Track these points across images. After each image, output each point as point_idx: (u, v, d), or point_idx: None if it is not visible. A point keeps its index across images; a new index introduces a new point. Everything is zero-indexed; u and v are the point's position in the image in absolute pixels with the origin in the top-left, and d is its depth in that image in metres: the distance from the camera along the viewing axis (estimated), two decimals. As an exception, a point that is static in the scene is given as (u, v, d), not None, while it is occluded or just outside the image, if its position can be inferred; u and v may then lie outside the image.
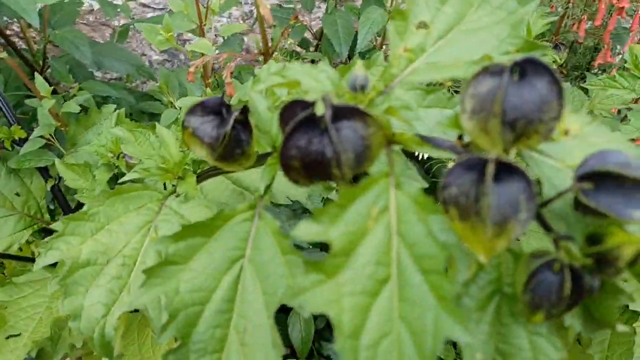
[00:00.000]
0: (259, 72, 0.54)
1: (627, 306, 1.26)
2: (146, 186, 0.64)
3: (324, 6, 2.27)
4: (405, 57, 0.42)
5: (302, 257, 0.37)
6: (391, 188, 0.32)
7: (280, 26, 1.97)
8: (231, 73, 0.74)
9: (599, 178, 0.29)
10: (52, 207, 1.52)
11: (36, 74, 1.17)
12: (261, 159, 0.48)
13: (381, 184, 0.32)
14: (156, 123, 0.80)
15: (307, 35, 2.02)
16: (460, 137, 0.33)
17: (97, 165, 1.20)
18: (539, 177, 0.33)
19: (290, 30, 0.70)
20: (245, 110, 0.45)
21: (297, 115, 0.32)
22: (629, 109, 1.33)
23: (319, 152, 0.31)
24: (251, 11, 2.53)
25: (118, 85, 1.89)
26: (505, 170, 0.27)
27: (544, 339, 0.34)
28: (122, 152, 1.15)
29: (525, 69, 0.29)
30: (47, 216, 1.37)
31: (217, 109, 0.44)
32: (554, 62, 1.36)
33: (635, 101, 1.30)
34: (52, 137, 1.26)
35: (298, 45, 2.01)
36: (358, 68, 0.40)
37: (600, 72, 1.93)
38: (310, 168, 0.32)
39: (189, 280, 0.40)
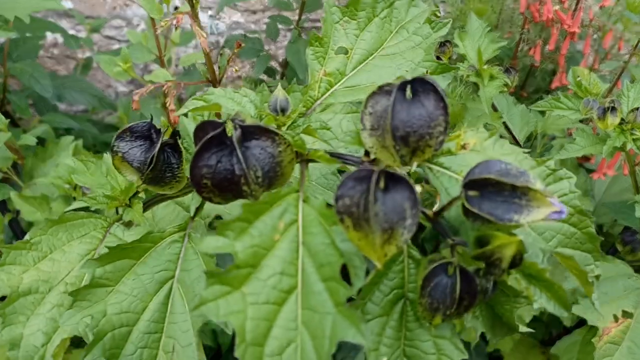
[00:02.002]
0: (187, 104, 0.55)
1: (585, 321, 1.29)
2: (90, 214, 0.65)
3: (289, 35, 2.31)
4: (325, 81, 0.44)
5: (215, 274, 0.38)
6: (300, 202, 0.34)
7: (245, 56, 2.00)
8: (174, 100, 0.75)
9: (482, 185, 0.30)
10: (14, 242, 1.50)
11: (-9, 108, 1.17)
12: (188, 186, 0.49)
13: (289, 199, 0.34)
14: (105, 153, 0.80)
15: (275, 64, 2.04)
16: (367, 153, 0.35)
17: (54, 197, 1.20)
18: (437, 188, 0.35)
19: (235, 57, 0.72)
20: (175, 134, 0.46)
21: (207, 135, 0.33)
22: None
23: (228, 170, 0.33)
24: (217, 41, 2.57)
25: (82, 118, 1.89)
26: (391, 180, 0.29)
27: (447, 342, 0.35)
28: (78, 185, 1.15)
29: (416, 88, 0.31)
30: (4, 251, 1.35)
31: (146, 134, 0.45)
32: (505, 85, 1.40)
33: (587, 122, 1.34)
34: (10, 171, 1.25)
35: (264, 74, 2.03)
36: (279, 92, 0.42)
37: (557, 94, 1.98)
38: (221, 186, 0.33)
39: (117, 302, 0.41)
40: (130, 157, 0.44)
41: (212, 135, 0.32)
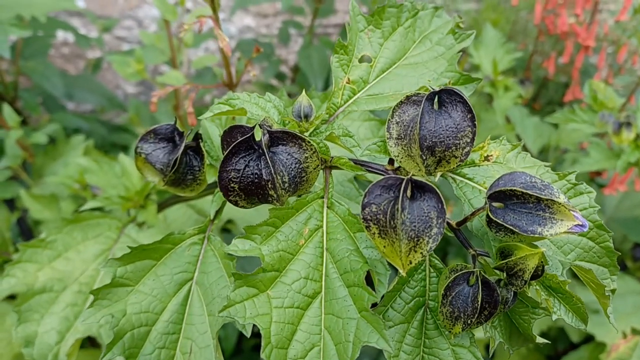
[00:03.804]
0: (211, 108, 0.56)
1: (592, 338, 1.28)
2: (105, 214, 0.65)
3: (300, 40, 2.32)
4: (349, 89, 0.44)
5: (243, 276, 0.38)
6: (325, 208, 0.34)
7: (256, 60, 2.01)
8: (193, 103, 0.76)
9: (507, 197, 0.31)
10: (20, 240, 1.50)
11: (4, 105, 1.17)
12: (213, 186, 0.49)
13: (313, 205, 0.34)
14: (120, 153, 0.81)
15: (285, 69, 2.05)
16: (391, 162, 0.35)
17: (64, 196, 1.21)
18: (460, 199, 0.35)
19: (251, 61, 0.72)
20: (197, 137, 0.47)
21: (236, 139, 0.34)
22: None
23: (255, 174, 0.33)
24: (229, 44, 2.57)
25: (91, 118, 1.90)
26: (419, 189, 0.29)
27: (466, 350, 0.35)
28: (88, 185, 1.16)
29: (443, 98, 0.31)
30: (12, 249, 1.35)
31: (169, 136, 0.46)
32: (519, 96, 1.40)
33: (602, 136, 1.34)
34: (20, 168, 1.25)
35: (275, 78, 2.04)
36: (303, 98, 0.42)
37: (572, 107, 1.98)
38: (247, 190, 0.34)
39: (137, 302, 0.41)
40: (154, 158, 0.44)
41: (241, 140, 0.32)
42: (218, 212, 0.45)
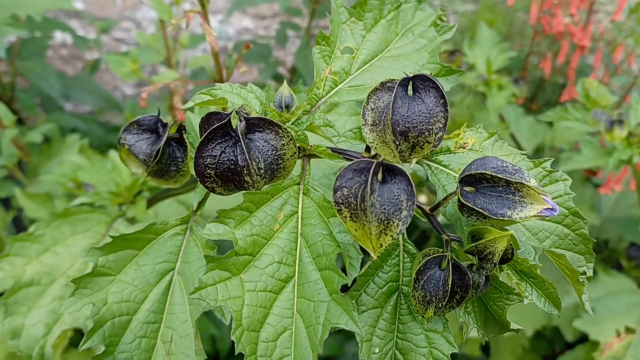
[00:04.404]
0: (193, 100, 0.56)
1: (587, 337, 1.28)
2: (94, 209, 0.66)
3: (297, 42, 2.32)
4: (331, 80, 0.44)
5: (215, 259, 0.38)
6: (300, 194, 0.34)
7: (254, 61, 2.02)
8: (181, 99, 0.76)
9: (477, 181, 0.31)
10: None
11: (0, 104, 1.18)
12: (194, 180, 0.49)
13: (289, 191, 0.34)
14: (111, 150, 0.81)
15: (282, 70, 2.06)
16: (367, 149, 0.36)
17: (58, 195, 1.21)
18: (435, 185, 0.35)
19: (241, 57, 0.73)
20: (181, 129, 0.47)
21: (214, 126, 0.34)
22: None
23: (231, 160, 0.33)
24: (226, 46, 2.58)
25: (88, 119, 1.91)
26: (390, 173, 0.29)
27: (439, 335, 0.36)
28: (82, 183, 1.16)
29: (417, 84, 0.31)
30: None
31: (152, 127, 0.46)
32: (513, 95, 1.40)
33: (596, 135, 1.34)
34: (15, 168, 1.26)
35: (273, 79, 2.05)
36: (284, 88, 0.43)
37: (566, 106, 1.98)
38: (224, 176, 0.34)
39: (118, 291, 0.41)
40: (137, 149, 0.44)
41: (217, 126, 0.33)
42: (201, 203, 0.46)
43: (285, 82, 0.44)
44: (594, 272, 1.43)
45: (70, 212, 0.64)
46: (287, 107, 0.42)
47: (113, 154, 0.76)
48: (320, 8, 1.90)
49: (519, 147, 1.39)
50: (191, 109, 0.49)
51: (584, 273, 0.35)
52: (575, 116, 1.15)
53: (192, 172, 0.49)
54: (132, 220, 0.68)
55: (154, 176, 0.46)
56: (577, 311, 1.26)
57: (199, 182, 0.47)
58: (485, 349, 1.61)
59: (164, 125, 0.47)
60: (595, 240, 0.36)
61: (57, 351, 0.53)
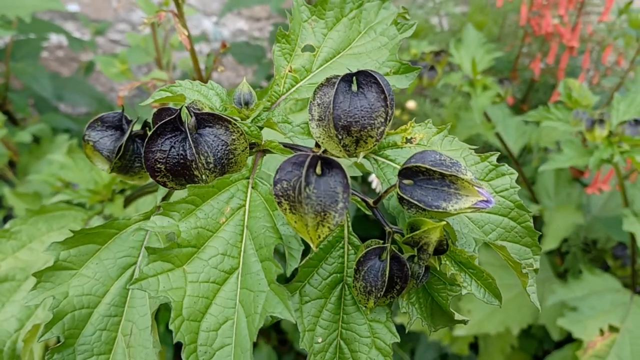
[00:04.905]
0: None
1: (571, 336, 1.29)
2: (70, 206, 0.66)
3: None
4: (291, 77, 0.45)
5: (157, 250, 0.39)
6: (249, 188, 0.35)
7: (247, 63, 2.02)
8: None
9: (414, 174, 0.32)
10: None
11: (-12, 105, 1.19)
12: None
13: (237, 185, 0.35)
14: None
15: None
16: (317, 145, 0.36)
17: (47, 194, 1.22)
18: (380, 179, 0.36)
19: (219, 57, 0.74)
20: (146, 126, 0.48)
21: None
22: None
23: (180, 155, 0.34)
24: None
25: (83, 120, 1.92)
26: (327, 166, 0.30)
27: (382, 325, 0.36)
28: (70, 183, 1.17)
29: (360, 80, 0.32)
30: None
31: (117, 124, 0.47)
32: (498, 95, 1.41)
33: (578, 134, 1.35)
34: (7, 168, 1.27)
35: (266, 80, 2.06)
36: (243, 86, 0.43)
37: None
38: (174, 171, 0.35)
39: (80, 284, 0.42)
40: (101, 146, 0.45)
41: (166, 120, 0.34)
42: (165, 197, 0.46)
43: (244, 80, 0.45)
44: (579, 271, 1.44)
45: (47, 209, 0.64)
46: (247, 103, 0.43)
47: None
48: (313, 10, 1.91)
49: (505, 147, 1.39)
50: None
51: (530, 265, 0.36)
52: (558, 116, 1.16)
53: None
54: (108, 218, 0.69)
55: (119, 172, 0.47)
56: (563, 310, 1.26)
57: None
58: (474, 347, 1.62)
59: (128, 122, 0.47)
60: (540, 233, 0.37)
61: (27, 345, 0.54)
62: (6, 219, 1.34)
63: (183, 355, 0.31)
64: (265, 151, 0.39)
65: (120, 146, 0.45)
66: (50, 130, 1.42)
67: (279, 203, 0.31)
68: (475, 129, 1.33)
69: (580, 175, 1.58)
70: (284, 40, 0.46)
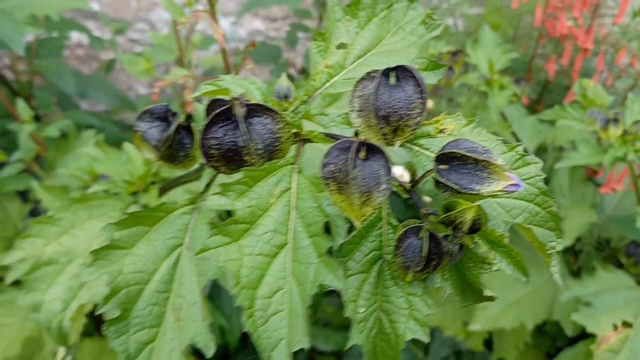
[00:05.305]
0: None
1: (584, 333, 1.31)
2: (109, 196, 0.70)
3: (307, 43, 2.36)
4: (326, 73, 0.48)
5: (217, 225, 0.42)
6: (294, 173, 0.39)
7: (264, 62, 2.06)
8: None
9: (450, 159, 0.35)
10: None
11: (18, 100, 1.23)
12: (201, 166, 0.54)
13: (284, 170, 0.39)
14: (125, 142, 0.86)
15: (292, 71, 2.10)
16: (356, 134, 0.40)
17: (74, 188, 1.26)
18: (416, 165, 0.39)
19: (247, 55, 0.77)
20: (189, 118, 0.51)
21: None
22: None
23: (233, 142, 0.37)
24: (237, 47, 2.63)
25: (104, 117, 1.96)
26: (370, 151, 0.33)
27: (418, 299, 0.40)
28: (98, 176, 1.21)
29: (399, 74, 0.35)
30: (26, 239, 1.41)
31: (163, 116, 0.50)
32: (514, 95, 1.44)
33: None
34: (34, 163, 1.31)
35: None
36: (283, 80, 0.47)
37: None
38: (226, 156, 0.38)
39: (132, 263, 0.45)
40: (149, 136, 0.48)
41: (220, 110, 0.37)
42: (209, 184, 0.50)
43: (284, 75, 0.48)
44: (593, 268, 1.46)
45: (87, 198, 0.68)
46: (286, 97, 0.46)
47: (128, 146, 0.81)
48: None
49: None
50: (199, 100, 0.53)
51: (553, 248, 0.39)
52: (573, 115, 1.19)
53: (200, 158, 0.53)
54: (144, 207, 0.72)
55: (165, 161, 0.50)
56: (577, 306, 1.29)
57: (205, 167, 0.51)
58: (488, 344, 1.64)
59: (174, 114, 0.51)
60: (562, 218, 0.40)
61: (74, 324, 0.58)
62: (32, 212, 1.39)
63: (243, 318, 0.35)
64: (305, 140, 0.42)
65: (168, 136, 0.48)
66: (75, 127, 1.46)
67: (326, 185, 0.34)
68: (492, 128, 1.35)
69: (594, 175, 1.60)
70: (320, 39, 0.49)
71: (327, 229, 0.37)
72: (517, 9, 1.85)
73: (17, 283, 1.29)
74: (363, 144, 0.33)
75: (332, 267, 0.35)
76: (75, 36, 2.43)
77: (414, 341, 1.75)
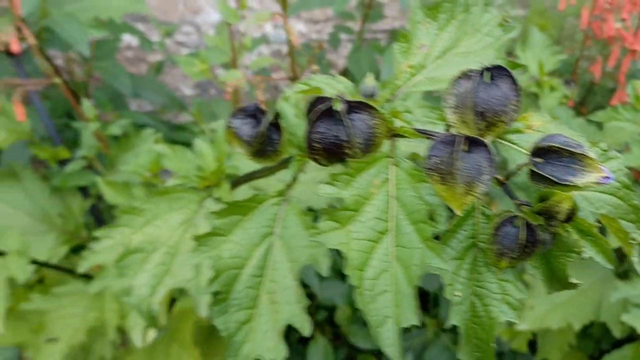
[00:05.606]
0: (288, 91, 0.64)
1: (636, 338, 1.31)
2: (187, 189, 0.74)
3: (349, 45, 2.39)
4: (408, 72, 0.51)
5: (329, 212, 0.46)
6: (391, 165, 0.42)
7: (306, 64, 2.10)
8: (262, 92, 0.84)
9: (546, 153, 0.37)
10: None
11: (83, 99, 1.29)
12: (286, 162, 0.57)
13: (382, 162, 0.42)
14: (196, 138, 0.90)
15: (334, 72, 2.14)
16: (448, 129, 0.42)
17: (134, 184, 1.31)
18: (508, 158, 0.42)
19: (314, 58, 0.80)
20: (277, 115, 0.55)
21: (319, 108, 0.41)
22: None
23: (335, 136, 0.41)
24: (279, 50, 2.67)
25: (153, 117, 2.02)
26: (472, 144, 0.36)
27: (510, 284, 0.42)
28: (159, 172, 1.26)
29: (493, 73, 0.38)
30: (84, 233, 1.47)
31: (254, 113, 0.54)
32: (564, 97, 1.44)
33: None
34: (95, 159, 1.37)
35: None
36: (368, 79, 0.50)
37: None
38: (328, 150, 0.41)
39: (229, 249, 0.49)
40: (241, 132, 0.52)
41: (325, 109, 0.40)
42: (294, 178, 0.53)
43: (369, 74, 0.51)
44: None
45: (167, 191, 0.72)
46: (372, 95, 0.49)
47: (199, 143, 0.85)
48: (372, 12, 1.97)
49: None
50: (285, 98, 0.56)
51: (634, 239, 0.41)
52: (626, 117, 1.19)
53: (284, 152, 0.56)
54: (218, 200, 0.76)
55: (255, 155, 0.54)
56: (626, 307, 1.29)
57: (293, 160, 0.55)
58: (532, 345, 1.65)
59: (262, 112, 0.54)
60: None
61: (162, 308, 0.62)
62: (93, 208, 1.45)
63: (355, 295, 0.38)
64: (397, 135, 0.45)
65: (260, 133, 0.52)
66: (131, 125, 1.52)
67: (430, 176, 0.37)
68: (541, 129, 1.36)
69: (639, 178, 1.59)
70: (403, 40, 0.52)
71: (430, 216, 0.40)
72: (561, 11, 1.84)
73: (81, 275, 1.35)
74: (467, 137, 0.36)
75: (437, 250, 0.38)
76: (125, 38, 2.51)
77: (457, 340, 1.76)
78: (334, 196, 0.40)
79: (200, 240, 0.48)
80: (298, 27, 2.68)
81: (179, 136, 1.96)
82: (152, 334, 0.86)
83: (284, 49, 2.54)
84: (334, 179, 0.40)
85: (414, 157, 0.60)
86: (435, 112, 0.52)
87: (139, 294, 0.63)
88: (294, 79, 0.84)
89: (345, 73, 2.12)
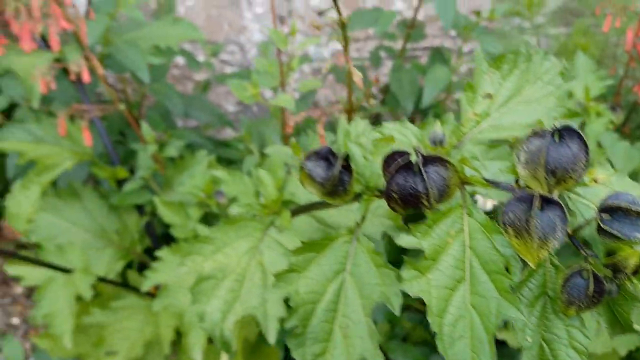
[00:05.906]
0: (349, 127, 0.68)
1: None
2: (251, 218, 0.78)
3: (389, 63, 2.42)
4: (474, 120, 0.55)
5: (393, 269, 0.49)
6: (464, 215, 0.45)
7: (345, 81, 2.13)
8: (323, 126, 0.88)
9: (613, 210, 0.40)
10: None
11: (142, 122, 1.35)
12: (354, 199, 0.61)
13: (456, 212, 0.45)
14: (259, 169, 0.95)
15: (374, 90, 2.17)
16: (517, 181, 0.46)
17: (189, 204, 1.37)
18: (575, 212, 0.45)
19: (370, 90, 0.84)
20: (347, 157, 0.59)
21: (395, 161, 0.45)
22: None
23: (412, 187, 0.44)
24: (320, 67, 2.72)
25: (199, 134, 2.09)
26: (546, 202, 0.39)
27: (577, 330, 0.45)
28: (213, 192, 1.31)
29: (563, 133, 0.41)
30: (139, 249, 1.54)
31: (326, 156, 0.58)
32: (611, 122, 1.45)
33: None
34: (151, 179, 1.43)
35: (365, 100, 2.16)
36: (437, 126, 0.53)
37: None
38: (405, 199, 0.45)
39: (305, 284, 0.53)
40: (315, 174, 0.56)
41: (403, 164, 0.44)
42: (363, 217, 0.57)
43: (437, 121, 0.54)
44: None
45: (234, 220, 0.77)
46: (441, 142, 0.53)
47: (260, 172, 0.89)
48: (414, 32, 2.00)
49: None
50: (347, 135, 0.60)
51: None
52: (676, 142, 1.19)
53: (353, 192, 0.60)
54: (279, 228, 0.80)
55: (327, 195, 0.58)
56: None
57: (362, 200, 0.59)
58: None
59: (334, 155, 0.58)
60: None
61: (234, 334, 0.66)
62: (148, 224, 1.51)
63: (436, 341, 0.42)
64: (466, 184, 0.49)
65: (334, 175, 0.56)
66: (184, 146, 1.58)
67: (505, 230, 0.40)
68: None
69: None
70: (469, 89, 0.56)
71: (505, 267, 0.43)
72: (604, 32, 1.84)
73: (132, 288, 1.41)
74: (540, 196, 0.39)
75: (513, 301, 0.41)
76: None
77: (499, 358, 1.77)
78: (415, 246, 0.43)
79: (279, 276, 0.52)
80: (338, 45, 2.73)
81: (224, 152, 2.01)
82: (225, 357, 0.90)
83: (323, 65, 2.58)
84: (415, 229, 0.44)
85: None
86: (502, 162, 0.55)
87: (212, 319, 0.67)
88: (349, 112, 0.88)
89: (386, 90, 2.15)
